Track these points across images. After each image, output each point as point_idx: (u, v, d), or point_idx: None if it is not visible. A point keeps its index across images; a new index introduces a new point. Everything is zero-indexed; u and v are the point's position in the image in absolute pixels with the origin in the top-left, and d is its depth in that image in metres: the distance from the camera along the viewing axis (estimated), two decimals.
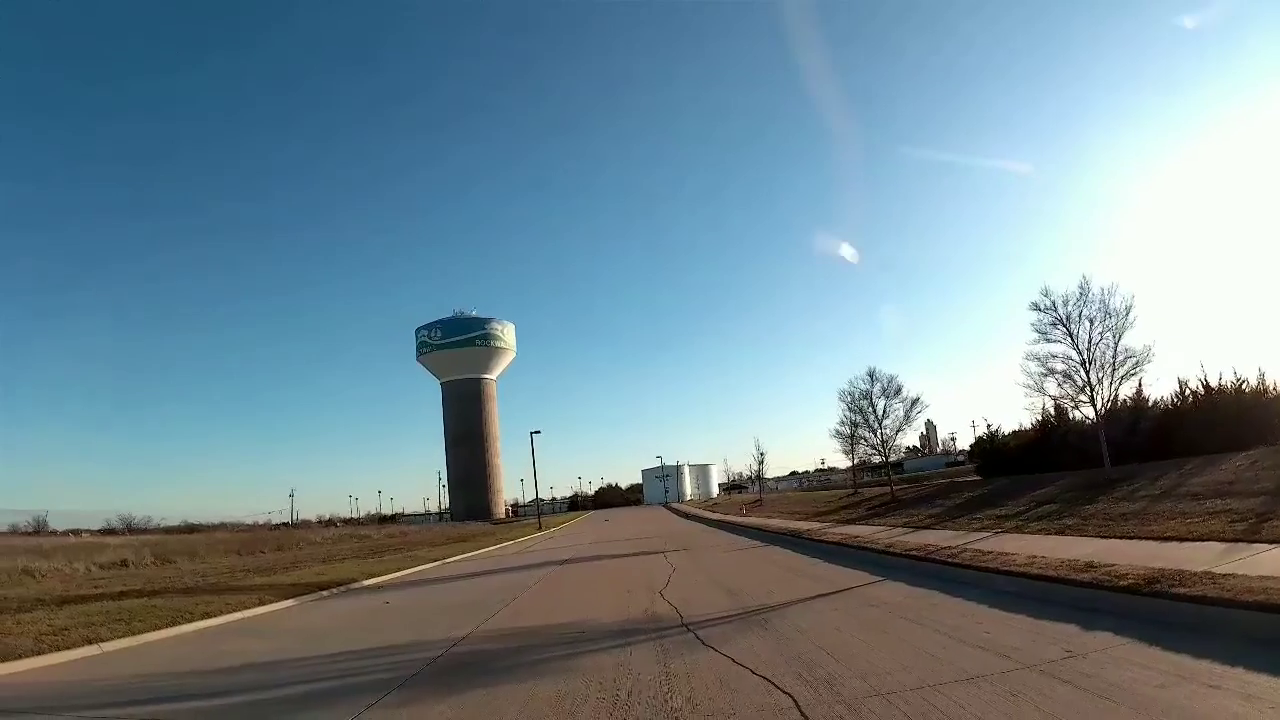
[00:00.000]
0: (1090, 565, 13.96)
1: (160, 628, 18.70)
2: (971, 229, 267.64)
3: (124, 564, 42.05)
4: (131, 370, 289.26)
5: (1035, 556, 16.15)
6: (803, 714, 7.99)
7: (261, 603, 23.54)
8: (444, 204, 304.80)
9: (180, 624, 19.33)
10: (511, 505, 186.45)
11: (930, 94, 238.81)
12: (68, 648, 16.06)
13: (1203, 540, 15.80)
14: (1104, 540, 18.00)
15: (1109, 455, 33.26)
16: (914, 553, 20.45)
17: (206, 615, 20.59)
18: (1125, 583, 11.97)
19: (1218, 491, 22.25)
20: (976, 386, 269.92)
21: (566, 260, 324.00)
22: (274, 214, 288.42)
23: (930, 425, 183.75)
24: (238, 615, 21.45)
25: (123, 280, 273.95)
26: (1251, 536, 15.25)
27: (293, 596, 25.32)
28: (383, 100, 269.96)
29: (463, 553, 48.52)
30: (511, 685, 10.95)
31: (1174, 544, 15.85)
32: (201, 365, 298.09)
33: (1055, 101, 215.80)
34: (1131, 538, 17.71)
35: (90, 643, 16.58)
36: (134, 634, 17.81)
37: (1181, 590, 10.75)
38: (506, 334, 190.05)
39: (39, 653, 15.51)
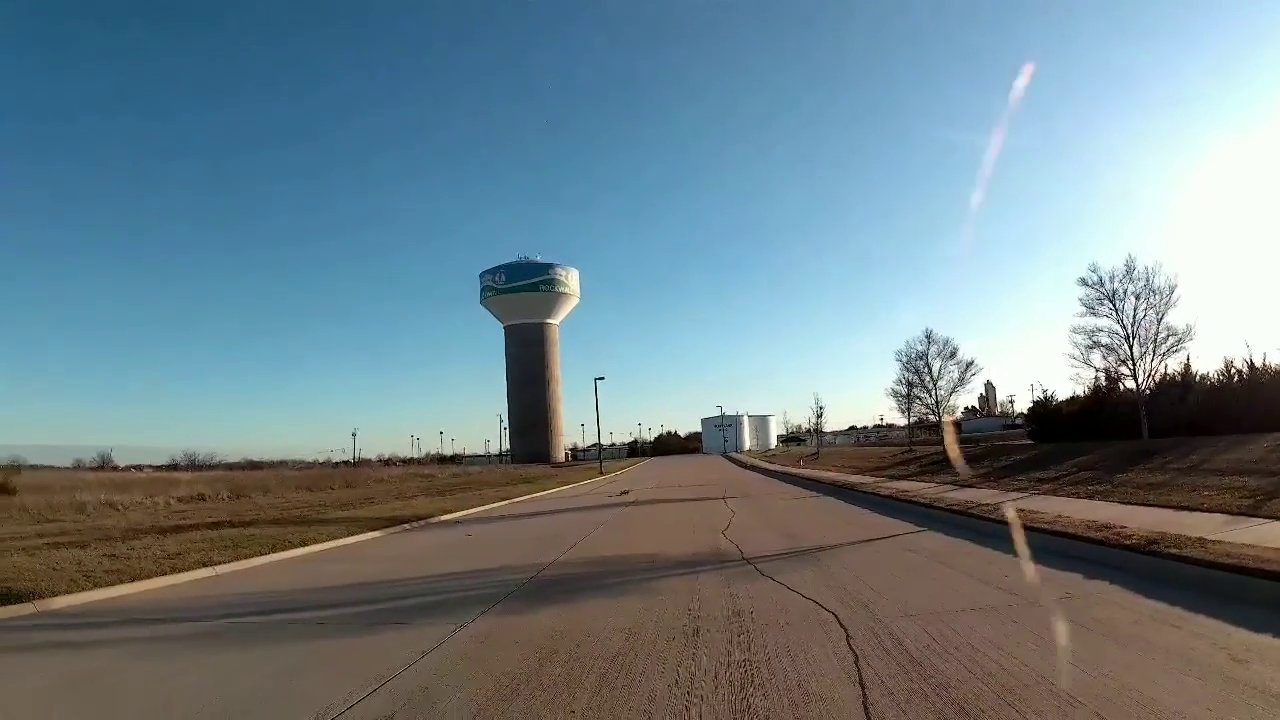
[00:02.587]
0: (1105, 526, 15.75)
1: (264, 553, 20.41)
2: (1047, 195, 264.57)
3: (201, 498, 44.25)
4: (192, 308, 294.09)
5: (1061, 516, 18.12)
6: (842, 626, 10.02)
7: (350, 533, 25.23)
8: (512, 148, 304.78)
9: (281, 550, 21.03)
10: (571, 449, 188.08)
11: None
12: (186, 569, 17.76)
13: (1209, 512, 17.55)
14: (1125, 506, 19.81)
15: (1155, 427, 35.05)
16: (955, 507, 22.39)
17: (304, 543, 22.39)
18: (1129, 542, 13.84)
19: (1239, 469, 23.99)
20: (1038, 350, 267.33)
21: (632, 208, 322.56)
22: (341, 154, 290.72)
23: (990, 387, 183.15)
24: (332, 544, 23.18)
25: (192, 222, 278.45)
26: (1253, 511, 16.99)
27: (378, 528, 27.04)
28: (457, 39, 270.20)
29: (529, 493, 50.24)
30: (599, 599, 13.33)
31: (1185, 513, 17.63)
32: (263, 304, 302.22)
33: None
34: (1150, 505, 19.49)
35: (205, 565, 18.29)
36: (241, 558, 19.56)
37: (1173, 551, 12.52)
38: (570, 280, 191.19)
39: (161, 574, 17.24)
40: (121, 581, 16.23)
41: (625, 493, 47.05)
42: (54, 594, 14.81)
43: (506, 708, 7.60)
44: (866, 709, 6.89)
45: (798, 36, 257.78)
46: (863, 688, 7.48)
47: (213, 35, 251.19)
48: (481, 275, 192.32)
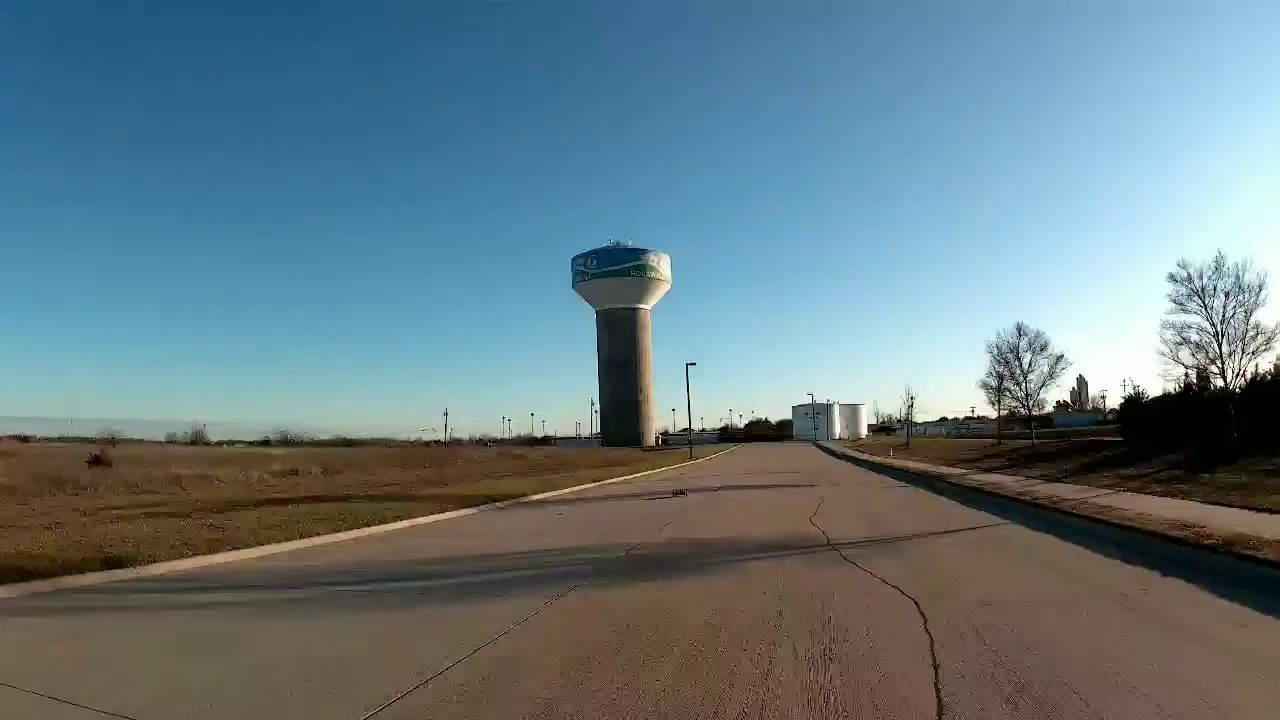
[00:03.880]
0: (1185, 525, 15.81)
1: (359, 527, 20.94)
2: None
3: (295, 473, 45.39)
4: (287, 289, 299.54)
5: (1143, 514, 18.08)
6: (921, 612, 10.35)
7: (443, 510, 25.83)
8: (607, 133, 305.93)
9: (377, 524, 21.55)
10: (661, 434, 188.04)
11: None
12: (284, 540, 18.30)
13: None
14: (1208, 506, 19.62)
15: (1244, 428, 33.68)
16: (1039, 501, 22.61)
17: (399, 518, 22.82)
18: (1208, 542, 13.99)
19: None
20: (1132, 346, 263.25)
21: (724, 196, 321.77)
22: (439, 138, 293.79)
23: (1082, 381, 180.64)
24: (426, 519, 23.63)
25: (291, 208, 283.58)
26: None
27: (470, 506, 27.54)
28: (556, 21, 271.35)
29: (620, 475, 50.52)
30: (687, 579, 13.85)
31: (1267, 516, 17.36)
32: (358, 286, 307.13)
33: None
34: (1233, 506, 19.24)
35: (303, 536, 18.82)
36: (337, 531, 20.04)
37: (1249, 553, 12.62)
38: (662, 265, 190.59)
39: (260, 544, 17.78)
40: (222, 550, 16.77)
41: (715, 477, 47.45)
42: (155, 560, 15.40)
43: (592, 675, 7.96)
44: (937, 689, 7.15)
45: (920, 25, 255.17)
46: (935, 669, 7.76)
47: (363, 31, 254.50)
48: (574, 260, 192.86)
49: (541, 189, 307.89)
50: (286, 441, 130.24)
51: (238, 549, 17.02)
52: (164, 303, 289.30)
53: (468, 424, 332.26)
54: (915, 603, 10.84)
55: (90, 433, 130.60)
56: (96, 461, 44.86)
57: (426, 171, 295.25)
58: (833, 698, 7.03)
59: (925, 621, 9.73)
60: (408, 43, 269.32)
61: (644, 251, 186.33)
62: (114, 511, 23.50)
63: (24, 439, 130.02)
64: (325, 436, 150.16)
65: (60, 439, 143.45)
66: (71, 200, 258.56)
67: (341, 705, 7.20)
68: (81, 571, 14.12)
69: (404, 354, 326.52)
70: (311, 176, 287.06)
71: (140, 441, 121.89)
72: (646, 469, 59.33)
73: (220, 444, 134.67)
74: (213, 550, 16.60)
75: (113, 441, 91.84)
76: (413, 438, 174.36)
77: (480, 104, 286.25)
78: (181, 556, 15.85)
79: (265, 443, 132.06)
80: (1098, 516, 18.10)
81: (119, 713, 7.09)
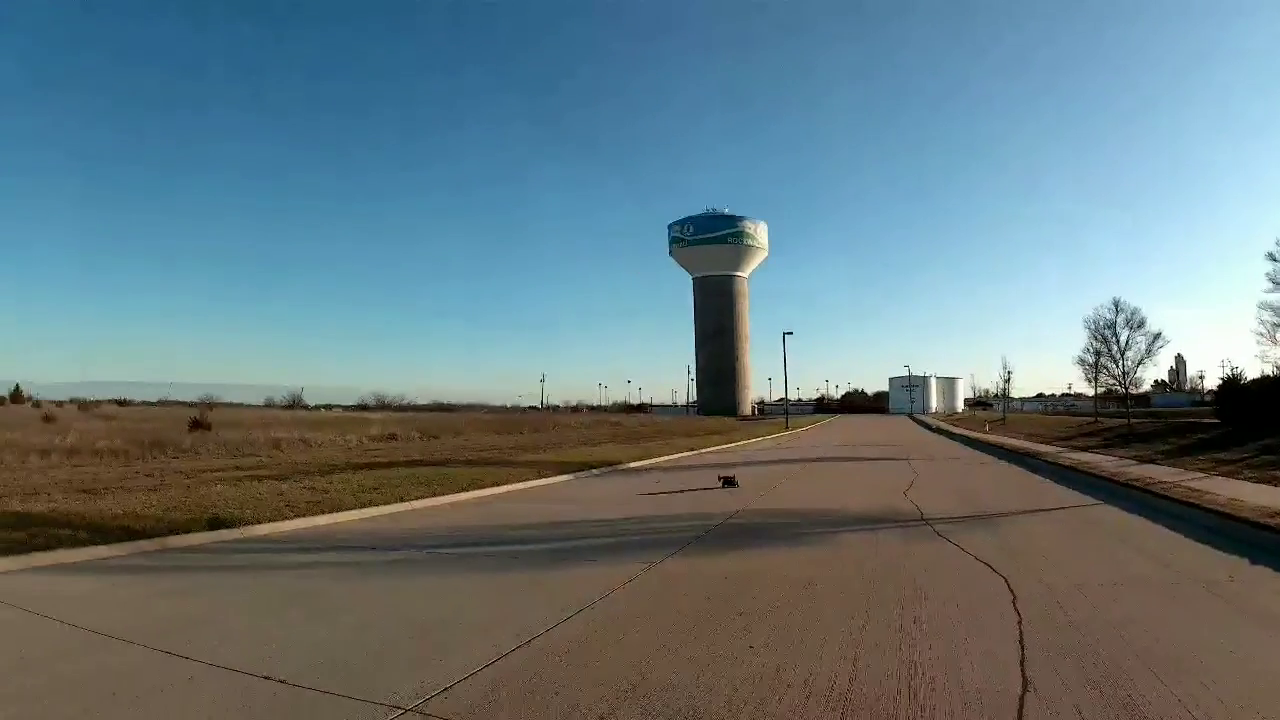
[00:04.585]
0: (1277, 513, 15.26)
1: (456, 491, 21.25)
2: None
3: (393, 437, 46.19)
4: (388, 256, 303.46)
5: (1234, 499, 17.62)
6: (1010, 590, 10.41)
7: (541, 476, 26.18)
8: (708, 100, 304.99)
9: (473, 489, 21.82)
10: (757, 404, 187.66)
11: None
12: (383, 503, 18.62)
13: None
14: None
15: None
16: (1133, 483, 22.15)
17: (496, 483, 23.13)
18: None
19: None
20: (1233, 326, 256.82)
21: (823, 167, 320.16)
22: (534, 108, 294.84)
23: (1180, 361, 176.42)
24: (522, 485, 23.94)
25: (392, 176, 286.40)
26: None
27: (567, 472, 27.81)
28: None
29: (716, 444, 50.74)
30: (781, 548, 14.14)
31: None
32: (456, 253, 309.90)
33: None
34: None
35: (401, 500, 19.15)
36: (435, 495, 20.38)
37: None
38: (759, 233, 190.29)
39: (360, 506, 18.14)
40: (322, 512, 17.17)
41: (811, 448, 47.51)
42: (258, 521, 15.79)
43: (690, 639, 8.16)
44: (1023, 667, 7.20)
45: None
46: (1022, 647, 7.81)
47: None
48: (670, 227, 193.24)
49: (641, 155, 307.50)
50: (384, 406, 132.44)
51: (338, 511, 17.40)
52: (262, 268, 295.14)
53: (565, 390, 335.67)
54: (1005, 580, 10.93)
55: (189, 397, 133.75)
56: (196, 425, 45.90)
57: (518, 139, 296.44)
58: (920, 669, 7.14)
59: (1014, 599, 9.81)
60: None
61: (741, 219, 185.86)
62: (215, 474, 24.08)
63: (123, 403, 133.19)
64: (422, 402, 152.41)
65: (160, 403, 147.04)
66: (181, 172, 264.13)
67: (443, 664, 7.36)
68: (187, 531, 14.52)
69: (502, 320, 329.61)
70: (416, 146, 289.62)
71: (239, 406, 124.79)
72: (742, 438, 59.55)
73: (318, 408, 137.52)
74: (313, 512, 16.99)
75: (211, 405, 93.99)
76: (509, 404, 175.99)
77: (581, 69, 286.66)
78: (283, 518, 16.21)
79: (363, 407, 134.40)
80: (1190, 500, 17.83)
81: (228, 666, 7.34)
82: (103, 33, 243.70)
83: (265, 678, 7.04)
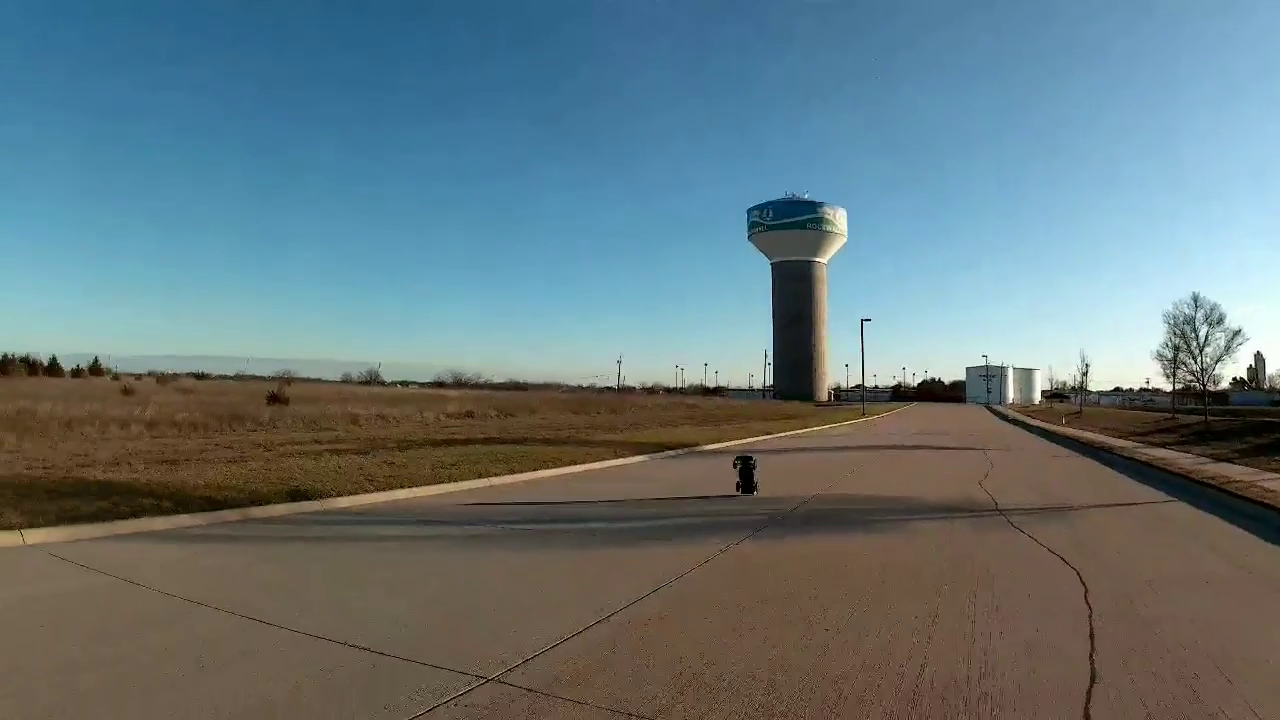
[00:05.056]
0: None
1: (534, 468, 21.40)
2: None
3: (469, 415, 46.32)
4: (464, 235, 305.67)
5: None
6: (1082, 583, 10.29)
7: (617, 455, 26.28)
8: (785, 84, 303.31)
9: (551, 467, 21.99)
10: (834, 390, 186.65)
11: None
12: (462, 479, 18.85)
13: None
14: None
15: None
16: (1208, 481, 21.63)
17: (573, 462, 23.39)
18: None
19: None
20: None
21: (902, 153, 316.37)
22: (619, 97, 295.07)
23: (1259, 358, 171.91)
24: (599, 464, 24.14)
25: (470, 157, 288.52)
26: None
27: (643, 453, 27.93)
28: None
29: (792, 429, 50.52)
30: (857, 533, 14.22)
31: None
32: (534, 233, 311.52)
33: None
34: None
35: (479, 476, 19.39)
36: (513, 472, 20.54)
37: None
38: (838, 219, 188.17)
39: (439, 481, 18.33)
40: (401, 486, 17.35)
41: (887, 436, 47.29)
42: (338, 494, 16.06)
43: (764, 620, 8.21)
44: (1092, 660, 7.14)
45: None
46: (1092, 640, 7.74)
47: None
48: (749, 211, 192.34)
49: (718, 134, 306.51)
50: (460, 384, 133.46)
51: (416, 486, 17.56)
52: (343, 247, 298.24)
53: (641, 372, 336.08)
54: (1077, 573, 10.84)
55: (265, 372, 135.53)
56: (274, 399, 46.60)
57: (600, 121, 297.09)
58: (990, 657, 7.16)
59: (1086, 592, 9.74)
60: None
61: (820, 205, 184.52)
62: (295, 447, 24.46)
63: (200, 377, 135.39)
64: (498, 380, 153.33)
65: (236, 377, 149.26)
66: (268, 150, 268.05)
67: (521, 637, 7.45)
68: (268, 503, 14.78)
69: (577, 300, 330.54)
70: (492, 128, 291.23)
71: (316, 381, 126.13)
72: (818, 424, 59.21)
73: (394, 384, 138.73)
74: (392, 486, 17.18)
75: (288, 380, 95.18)
76: (586, 383, 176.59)
77: (661, 61, 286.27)
78: (363, 491, 16.46)
79: (439, 385, 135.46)
80: (1265, 501, 17.38)
81: (312, 634, 7.49)
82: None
83: (349, 645, 7.18)
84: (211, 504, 14.34)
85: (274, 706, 5.92)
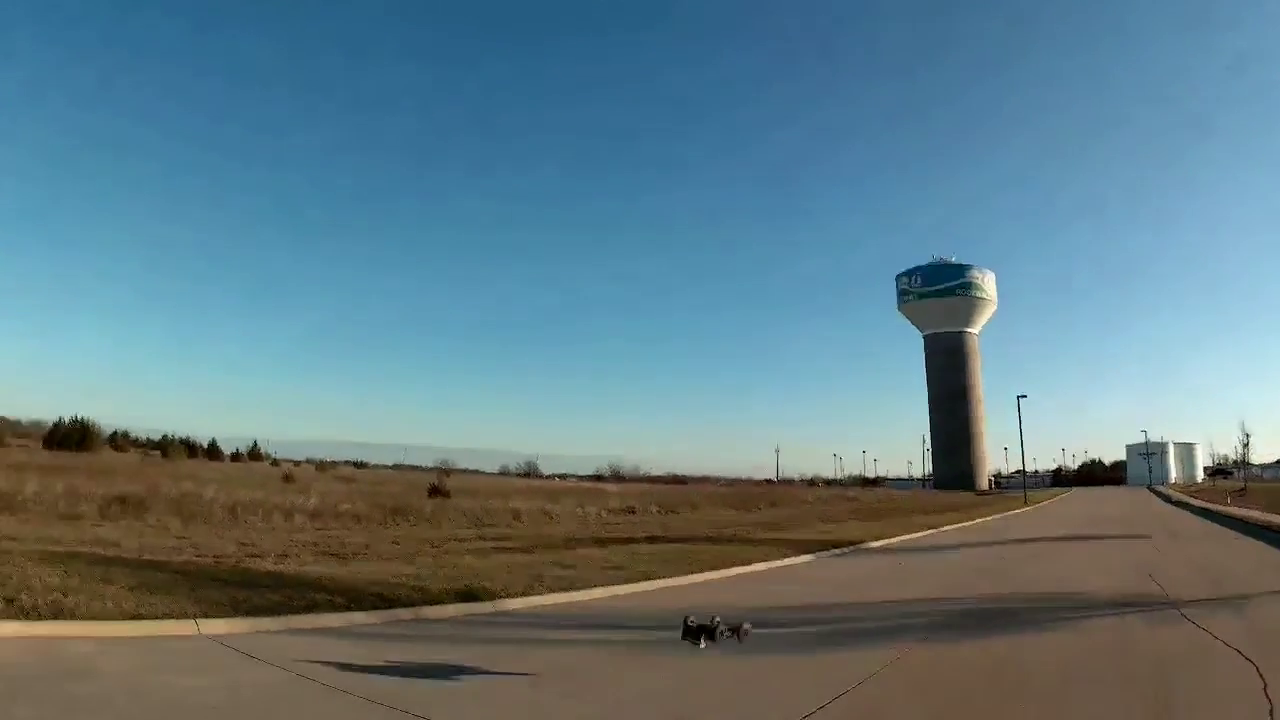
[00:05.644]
0: None
1: (701, 570, 21.19)
2: None
3: (630, 510, 46.48)
4: (619, 327, 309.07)
5: None
6: (1261, 676, 9.97)
7: (783, 555, 25.88)
8: (921, 143, 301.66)
9: (718, 568, 21.71)
10: (994, 476, 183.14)
11: None
12: (630, 581, 18.75)
13: None
14: None
15: None
16: None
17: (741, 562, 23.09)
18: None
19: None
20: None
21: (1049, 211, 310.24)
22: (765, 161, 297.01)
23: None
24: (764, 565, 23.73)
25: (627, 237, 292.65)
26: None
27: (809, 551, 27.42)
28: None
29: (954, 522, 49.53)
30: (1029, 633, 13.94)
31: None
32: (686, 322, 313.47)
33: None
34: None
35: (647, 578, 19.25)
36: (680, 574, 20.39)
37: None
38: (987, 283, 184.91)
39: (607, 584, 18.24)
40: (570, 589, 17.38)
41: (1053, 525, 46.50)
42: (509, 595, 16.11)
43: None
44: None
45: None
46: None
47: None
48: (898, 278, 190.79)
49: (859, 202, 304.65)
50: (618, 477, 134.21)
51: (586, 588, 17.54)
52: (495, 334, 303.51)
53: (799, 460, 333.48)
54: (1255, 666, 10.55)
55: (424, 460, 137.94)
56: (435, 492, 47.29)
57: (740, 197, 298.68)
58: None
59: (1265, 686, 9.52)
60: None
61: (968, 268, 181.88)
62: (461, 543, 24.89)
63: (359, 465, 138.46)
64: (657, 472, 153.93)
65: (394, 466, 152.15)
66: (428, 225, 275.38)
67: None
68: (439, 603, 14.94)
69: (732, 390, 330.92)
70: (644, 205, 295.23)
71: (474, 472, 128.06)
72: (980, 516, 57.97)
73: (551, 477, 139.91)
74: (561, 588, 17.21)
75: (447, 471, 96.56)
76: (744, 475, 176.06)
77: (803, 124, 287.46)
78: (533, 592, 16.52)
79: (598, 478, 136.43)
80: None
81: None
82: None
83: None
84: (384, 601, 14.60)
85: None
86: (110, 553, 18.44)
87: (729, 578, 21.17)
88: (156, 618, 12.09)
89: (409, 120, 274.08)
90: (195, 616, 12.27)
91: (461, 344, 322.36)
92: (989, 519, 56.23)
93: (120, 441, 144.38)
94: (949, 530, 44.18)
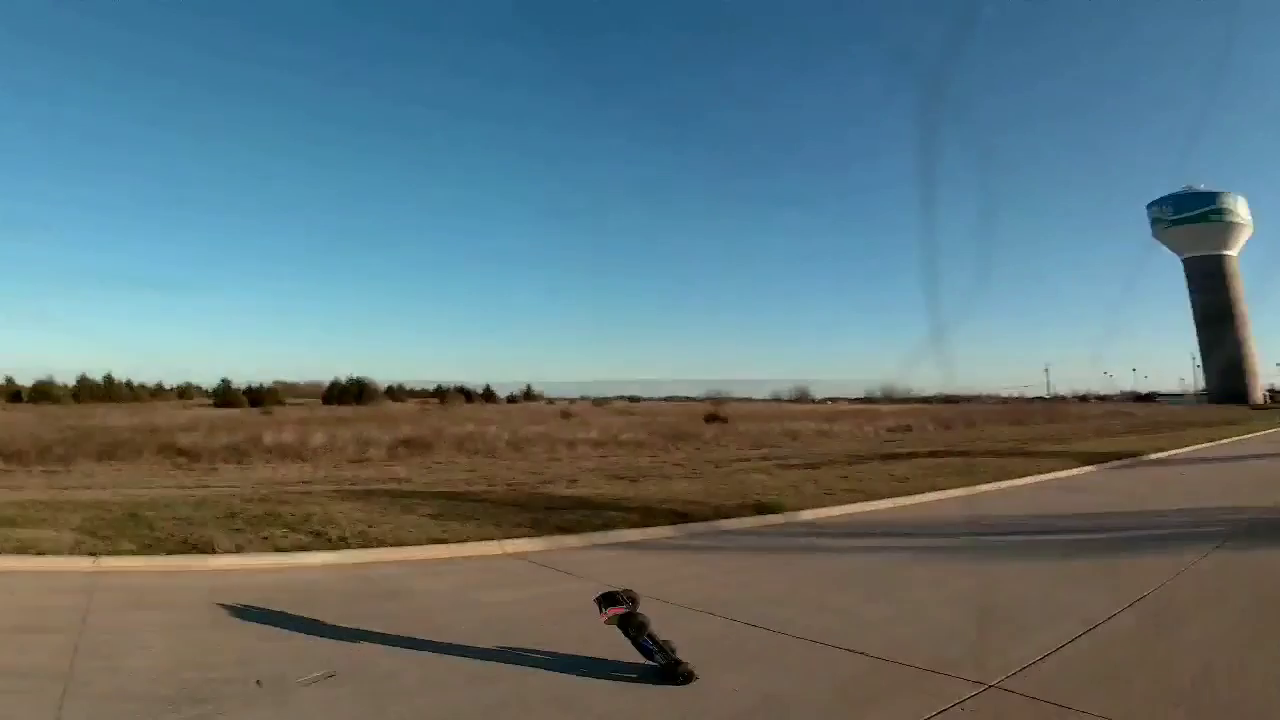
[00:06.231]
0: None
1: (984, 481, 20.70)
2: None
3: (907, 428, 46.02)
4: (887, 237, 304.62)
5: None
6: None
7: (1065, 467, 24.91)
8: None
9: (1002, 479, 21.22)
10: (1268, 390, 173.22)
11: None
12: (915, 492, 18.48)
13: None
14: None
15: None
16: None
17: (1024, 473, 22.46)
18: None
19: None
20: None
21: None
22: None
23: None
24: (1048, 475, 22.97)
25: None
26: None
27: (1090, 463, 26.48)
28: None
29: (1232, 435, 46.31)
30: None
31: None
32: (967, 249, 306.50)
33: None
34: None
35: (932, 489, 18.93)
36: (964, 485, 19.90)
37: None
38: (1239, 208, 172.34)
39: (894, 495, 18.07)
40: (858, 500, 17.21)
41: None
42: (800, 507, 16.09)
43: (1245, 634, 7.72)
44: None
45: None
46: None
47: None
48: (1149, 207, 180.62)
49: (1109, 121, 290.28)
50: (890, 398, 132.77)
51: (874, 499, 17.36)
52: (768, 268, 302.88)
53: (1067, 379, 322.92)
54: None
55: (694, 393, 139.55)
56: (713, 418, 47.59)
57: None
58: None
59: None
60: None
61: (1218, 194, 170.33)
62: (744, 463, 25.09)
63: (633, 400, 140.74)
64: (927, 393, 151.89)
65: (667, 399, 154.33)
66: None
67: (1011, 646, 7.26)
68: (733, 516, 15.02)
69: (1004, 309, 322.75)
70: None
71: (746, 400, 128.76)
72: (1260, 428, 54.64)
73: (823, 401, 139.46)
74: (850, 500, 17.08)
75: (721, 400, 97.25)
76: (1014, 394, 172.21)
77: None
78: (822, 505, 16.44)
79: (868, 400, 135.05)
80: None
81: (804, 638, 7.65)
82: None
83: (845, 650, 7.26)
84: (679, 517, 14.79)
85: (785, 704, 6.08)
86: (405, 487, 19.34)
87: (1014, 487, 20.64)
88: (461, 541, 12.59)
89: None
90: (498, 538, 12.72)
91: (729, 277, 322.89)
92: (1270, 431, 52.87)
93: (397, 393, 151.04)
94: (1226, 443, 41.31)
